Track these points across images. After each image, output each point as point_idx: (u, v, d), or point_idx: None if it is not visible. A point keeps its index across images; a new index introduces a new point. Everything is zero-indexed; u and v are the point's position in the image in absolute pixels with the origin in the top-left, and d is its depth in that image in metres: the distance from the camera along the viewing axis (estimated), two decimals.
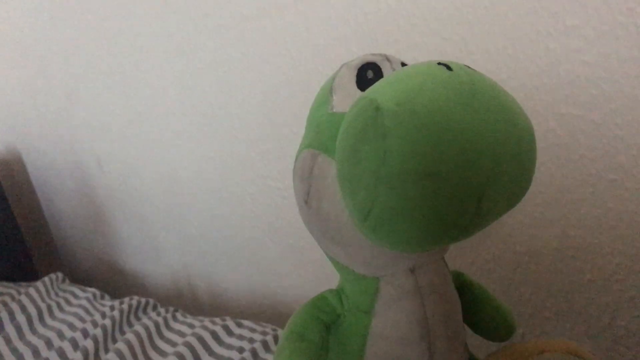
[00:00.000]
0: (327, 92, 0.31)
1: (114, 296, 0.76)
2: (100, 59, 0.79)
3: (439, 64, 0.24)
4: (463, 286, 0.36)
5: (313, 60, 0.58)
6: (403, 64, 0.32)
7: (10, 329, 0.65)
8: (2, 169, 1.05)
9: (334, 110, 0.29)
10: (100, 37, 0.77)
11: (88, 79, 0.82)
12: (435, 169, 0.22)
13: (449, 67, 0.24)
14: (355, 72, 0.30)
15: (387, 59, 0.31)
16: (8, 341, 0.63)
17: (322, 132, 0.29)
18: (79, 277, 1.08)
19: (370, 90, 0.25)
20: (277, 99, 0.63)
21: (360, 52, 0.51)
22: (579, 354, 0.33)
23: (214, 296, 0.85)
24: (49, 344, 0.62)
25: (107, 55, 0.78)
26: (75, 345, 0.60)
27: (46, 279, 0.77)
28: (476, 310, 0.35)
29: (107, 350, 0.59)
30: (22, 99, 0.96)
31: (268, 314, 0.79)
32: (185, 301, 0.90)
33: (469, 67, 0.25)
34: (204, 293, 0.86)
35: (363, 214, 0.24)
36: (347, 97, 0.29)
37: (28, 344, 0.63)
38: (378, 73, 0.30)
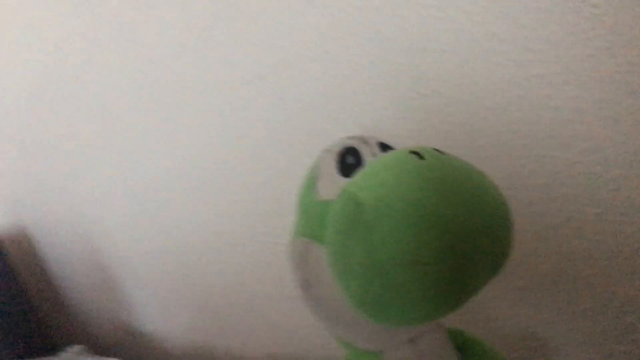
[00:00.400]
0: (312, 179, 0.33)
1: None
2: (102, 129, 0.82)
3: (411, 152, 0.27)
4: (465, 343, 0.37)
5: (310, 115, 0.61)
6: (381, 144, 0.34)
7: None
8: (11, 246, 1.06)
9: (320, 197, 0.31)
10: (97, 109, 0.80)
11: (90, 149, 0.85)
12: (418, 257, 0.23)
13: (420, 155, 0.26)
14: (336, 158, 0.32)
15: (365, 141, 0.33)
16: None
17: (311, 220, 0.31)
18: (97, 344, 1.09)
19: (352, 184, 0.27)
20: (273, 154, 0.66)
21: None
22: None
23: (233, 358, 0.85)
24: None
25: (109, 125, 0.81)
26: None
27: (65, 354, 0.78)
28: None
29: None
30: (24, 175, 0.99)
31: None
32: None
33: (437, 151, 0.27)
34: (222, 354, 0.87)
35: (358, 301, 0.26)
36: (331, 184, 0.31)
37: None
38: (357, 157, 0.32)
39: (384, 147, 0.34)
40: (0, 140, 0.98)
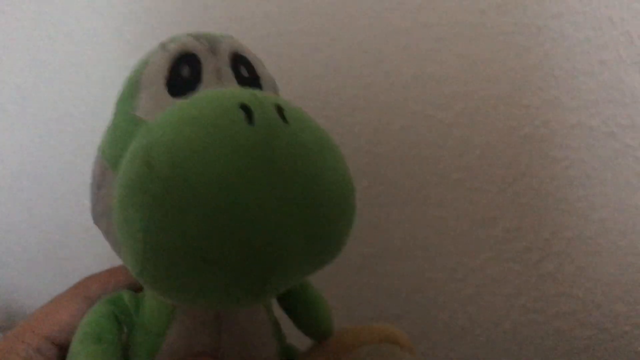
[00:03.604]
0: (134, 84, 0.25)
1: None
2: None
3: (242, 105, 0.20)
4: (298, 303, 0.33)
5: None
6: (235, 55, 0.26)
7: None
8: None
9: (137, 113, 0.24)
10: None
11: None
12: (205, 251, 0.19)
13: (251, 114, 0.20)
14: (168, 65, 0.25)
15: (212, 49, 0.26)
16: None
17: (116, 142, 0.24)
18: None
19: (155, 129, 0.21)
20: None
21: None
22: (395, 340, 0.32)
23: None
24: None
25: None
26: None
27: None
28: (293, 311, 0.33)
29: None
30: None
31: None
32: None
33: (279, 110, 0.21)
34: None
35: (136, 269, 0.21)
36: (154, 101, 0.24)
37: None
38: (196, 71, 0.25)
39: (237, 61, 0.27)
40: None
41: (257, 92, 0.22)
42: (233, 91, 0.22)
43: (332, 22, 0.45)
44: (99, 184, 0.25)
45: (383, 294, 0.52)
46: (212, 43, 0.26)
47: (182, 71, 0.25)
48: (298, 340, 0.34)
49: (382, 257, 0.51)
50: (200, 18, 0.48)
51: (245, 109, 0.20)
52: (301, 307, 0.33)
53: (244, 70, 0.27)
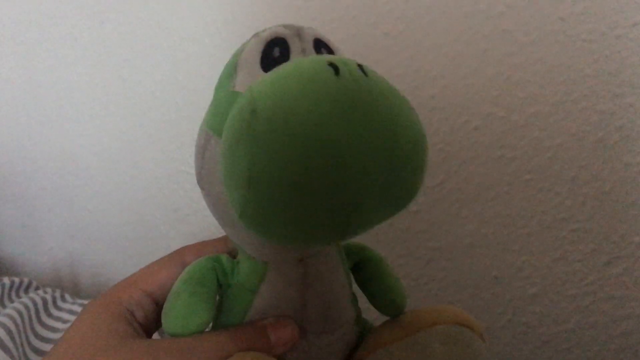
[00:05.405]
0: (234, 65, 0.29)
1: None
2: None
3: (329, 63, 0.23)
4: (363, 261, 0.36)
5: (226, 37, 0.55)
6: (317, 42, 0.30)
7: None
8: None
9: (235, 89, 0.28)
10: None
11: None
12: (300, 181, 0.22)
13: (337, 70, 0.23)
14: (262, 48, 0.29)
15: (299, 34, 0.30)
16: None
17: (218, 113, 0.28)
18: None
19: (257, 86, 0.25)
20: (194, 78, 0.58)
21: None
22: (469, 324, 0.33)
23: (97, 284, 0.78)
24: None
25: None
26: None
27: None
28: (369, 286, 0.36)
29: None
30: None
31: None
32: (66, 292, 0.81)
33: (360, 68, 0.24)
34: (88, 285, 0.79)
35: (238, 211, 0.24)
36: (250, 77, 0.28)
37: None
38: (285, 51, 0.29)
39: (319, 45, 0.31)
40: None
41: (340, 56, 0.26)
42: (321, 55, 0.25)
43: (414, 25, 0.48)
44: (203, 150, 0.29)
45: (450, 288, 0.54)
46: (298, 30, 0.30)
47: (274, 52, 0.28)
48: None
49: (451, 252, 0.53)
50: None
51: (333, 66, 0.23)
52: (376, 281, 0.35)
53: (325, 53, 0.31)
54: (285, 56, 0.28)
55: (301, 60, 0.25)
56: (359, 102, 0.23)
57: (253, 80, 0.27)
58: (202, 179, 0.29)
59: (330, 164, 0.22)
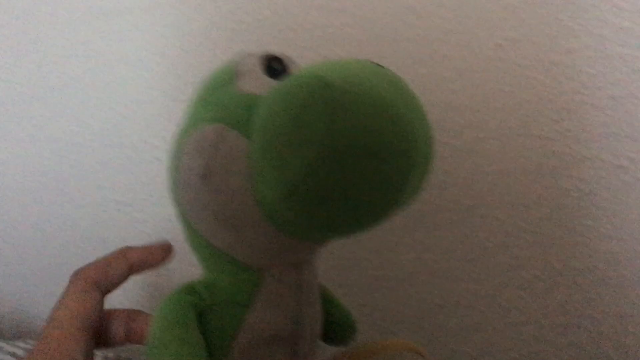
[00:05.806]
0: (228, 75, 0.29)
1: None
2: None
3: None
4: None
5: (177, 65, 0.52)
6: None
7: None
8: None
9: (244, 91, 0.28)
10: None
11: None
12: (378, 149, 0.23)
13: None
14: (260, 61, 0.29)
15: (290, 59, 0.31)
16: None
17: (231, 110, 0.28)
18: None
19: (306, 69, 0.26)
20: (131, 103, 0.56)
21: None
22: (419, 352, 0.34)
23: (19, 322, 0.73)
24: None
25: None
26: None
27: None
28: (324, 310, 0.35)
29: None
30: None
31: None
32: None
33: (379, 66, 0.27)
34: (7, 319, 0.73)
35: (289, 189, 0.24)
36: (255, 81, 0.28)
37: None
38: (283, 65, 0.30)
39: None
40: None
41: None
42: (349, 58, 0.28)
43: (332, 55, 0.48)
44: (215, 144, 0.27)
45: (393, 317, 0.53)
46: (287, 56, 0.31)
47: (274, 64, 0.29)
48: None
49: (394, 280, 0.52)
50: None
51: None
52: (328, 305, 0.35)
53: None
54: (284, 69, 0.30)
55: (339, 59, 0.27)
56: (404, 87, 0.26)
57: (259, 83, 0.28)
58: (211, 173, 0.27)
59: (400, 134, 0.24)
